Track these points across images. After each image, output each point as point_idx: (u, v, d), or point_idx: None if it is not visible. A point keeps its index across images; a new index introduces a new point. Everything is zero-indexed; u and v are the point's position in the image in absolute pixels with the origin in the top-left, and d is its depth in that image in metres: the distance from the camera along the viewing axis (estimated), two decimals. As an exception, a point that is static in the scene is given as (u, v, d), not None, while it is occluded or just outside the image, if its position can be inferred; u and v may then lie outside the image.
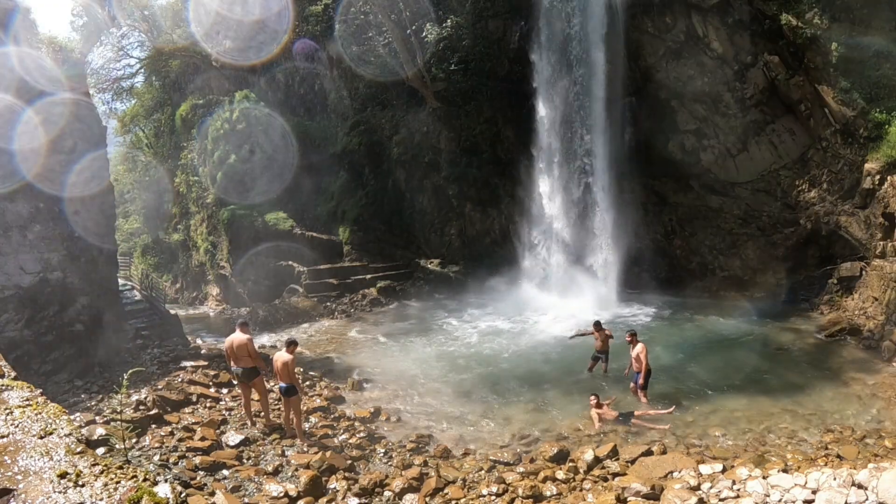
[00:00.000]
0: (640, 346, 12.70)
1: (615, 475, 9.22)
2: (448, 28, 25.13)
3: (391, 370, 15.94)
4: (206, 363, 15.00)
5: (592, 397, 12.02)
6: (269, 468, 9.50)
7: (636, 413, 11.84)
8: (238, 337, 11.06)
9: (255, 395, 11.58)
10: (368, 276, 26.44)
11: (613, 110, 24.19)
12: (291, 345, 10.64)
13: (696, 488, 8.53)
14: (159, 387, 12.94)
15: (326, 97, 32.10)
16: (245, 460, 9.85)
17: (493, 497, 8.74)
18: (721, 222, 23.52)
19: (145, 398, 12.00)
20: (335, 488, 8.97)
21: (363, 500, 8.70)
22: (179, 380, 13.50)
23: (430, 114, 27.76)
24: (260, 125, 29.95)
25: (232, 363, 11.25)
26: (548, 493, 8.76)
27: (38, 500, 3.56)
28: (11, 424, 4.43)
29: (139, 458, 9.45)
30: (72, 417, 7.40)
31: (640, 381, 12.69)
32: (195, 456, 9.62)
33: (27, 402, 4.84)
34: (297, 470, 9.39)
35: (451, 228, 28.01)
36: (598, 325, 14.55)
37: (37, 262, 14.50)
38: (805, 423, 11.39)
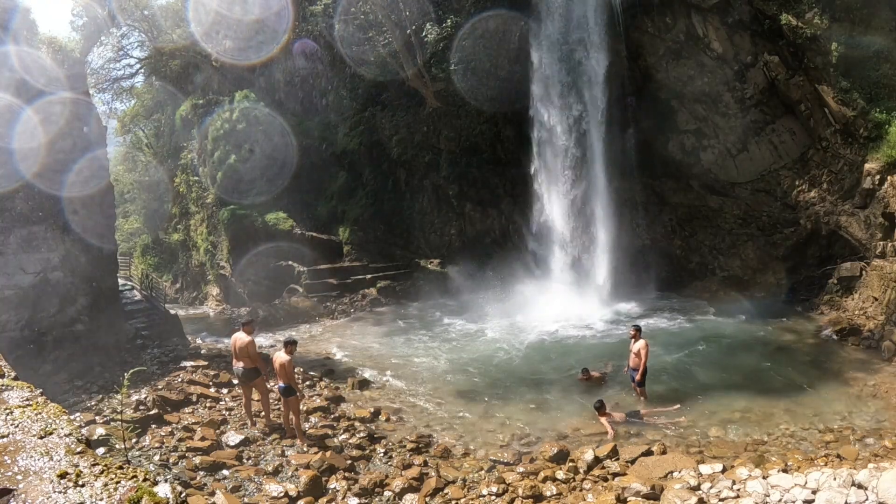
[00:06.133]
0: (641, 342, 12.59)
1: (615, 475, 9.21)
2: (448, 28, 25.11)
3: (391, 370, 15.93)
4: (206, 363, 15.03)
5: (599, 406, 11.53)
6: (269, 468, 9.51)
7: (643, 411, 11.81)
8: (241, 337, 11.08)
9: (255, 395, 11.59)
10: (368, 276, 26.41)
11: (614, 110, 24.19)
12: (290, 345, 10.56)
13: (696, 488, 8.52)
14: (159, 387, 12.95)
15: (326, 97, 32.07)
16: (245, 460, 9.86)
17: (493, 497, 8.74)
18: (721, 222, 23.50)
19: (145, 398, 12.01)
20: (335, 488, 8.97)
21: (363, 500, 8.71)
22: (179, 380, 13.52)
23: (430, 114, 27.74)
24: (260, 125, 29.92)
25: (234, 362, 11.29)
26: (548, 493, 8.77)
27: (38, 500, 3.55)
28: (11, 424, 4.43)
29: (139, 458, 9.46)
30: (72, 417, 7.40)
31: (638, 377, 12.61)
32: (195, 456, 9.64)
33: (27, 402, 4.84)
34: (297, 470, 9.40)
35: (451, 228, 28.00)
36: (585, 371, 14.33)
37: (37, 262, 14.51)
38: (805, 423, 11.37)
